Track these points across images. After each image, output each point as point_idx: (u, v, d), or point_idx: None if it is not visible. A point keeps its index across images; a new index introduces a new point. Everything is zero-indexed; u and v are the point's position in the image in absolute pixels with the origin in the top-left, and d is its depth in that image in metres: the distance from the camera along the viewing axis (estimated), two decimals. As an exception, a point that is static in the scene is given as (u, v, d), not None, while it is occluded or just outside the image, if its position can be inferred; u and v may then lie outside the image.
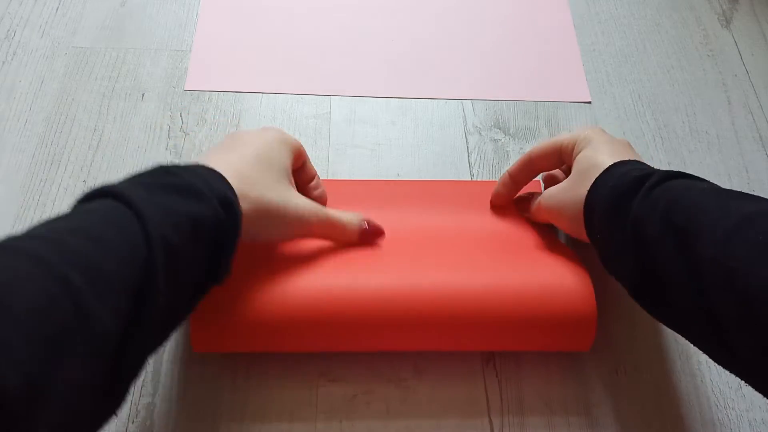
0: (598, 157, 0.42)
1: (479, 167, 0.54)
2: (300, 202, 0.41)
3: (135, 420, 0.41)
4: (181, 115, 0.55)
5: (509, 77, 0.60)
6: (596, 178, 0.40)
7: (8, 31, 0.59)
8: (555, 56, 0.62)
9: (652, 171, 0.39)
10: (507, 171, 0.49)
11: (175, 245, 0.31)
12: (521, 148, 0.56)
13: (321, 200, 0.47)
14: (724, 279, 0.31)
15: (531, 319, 0.41)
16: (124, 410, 0.41)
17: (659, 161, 0.56)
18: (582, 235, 0.42)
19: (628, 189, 0.38)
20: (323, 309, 0.40)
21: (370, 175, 0.53)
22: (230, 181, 0.36)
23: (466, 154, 0.55)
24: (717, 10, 0.67)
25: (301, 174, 0.46)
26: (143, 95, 0.56)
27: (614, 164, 0.40)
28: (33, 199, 0.50)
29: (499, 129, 0.57)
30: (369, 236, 0.45)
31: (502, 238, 0.48)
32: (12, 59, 0.57)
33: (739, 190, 0.35)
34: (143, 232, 0.30)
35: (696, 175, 0.39)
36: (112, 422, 0.39)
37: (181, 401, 0.42)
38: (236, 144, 0.41)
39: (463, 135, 0.56)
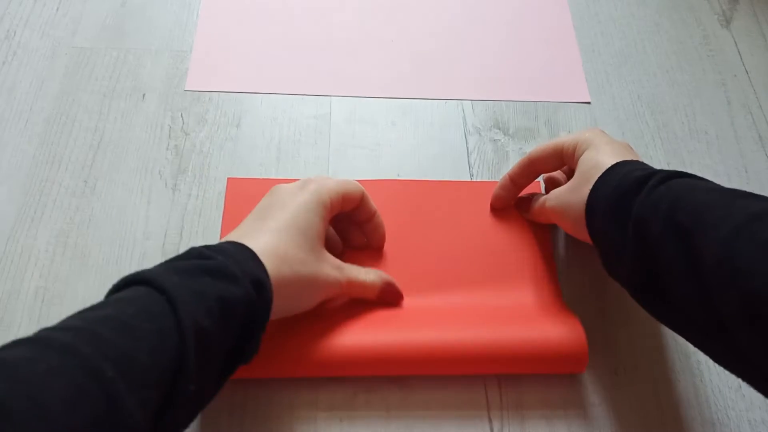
0: (600, 157, 0.42)
1: (479, 167, 0.54)
2: (328, 271, 0.41)
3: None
4: (181, 116, 0.55)
5: (509, 77, 0.60)
6: (598, 178, 0.40)
7: (8, 31, 0.59)
8: (555, 56, 0.62)
9: (655, 171, 0.39)
10: (507, 174, 0.49)
11: (207, 329, 0.31)
12: (521, 149, 0.56)
13: (379, 240, 0.48)
14: (730, 278, 0.30)
15: (528, 359, 0.42)
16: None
17: (659, 161, 0.56)
18: (584, 235, 0.42)
19: (630, 188, 0.38)
20: (330, 347, 0.41)
21: (370, 175, 0.53)
22: (264, 259, 0.36)
23: (466, 155, 0.55)
24: (717, 10, 0.67)
25: (358, 213, 0.46)
26: (144, 95, 0.56)
27: (616, 164, 0.40)
28: (33, 199, 0.50)
29: (499, 129, 0.57)
30: (387, 296, 0.45)
31: (499, 249, 0.49)
32: (12, 59, 0.57)
33: (739, 187, 0.35)
34: (175, 318, 0.30)
35: (697, 175, 0.39)
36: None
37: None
38: (273, 206, 0.41)
39: (463, 135, 0.56)
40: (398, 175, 0.54)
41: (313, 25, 0.62)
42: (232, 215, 0.50)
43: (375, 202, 0.50)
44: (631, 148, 0.45)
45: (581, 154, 0.43)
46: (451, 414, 0.43)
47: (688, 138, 0.58)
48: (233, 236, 0.39)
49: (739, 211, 0.32)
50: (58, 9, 0.61)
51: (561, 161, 0.46)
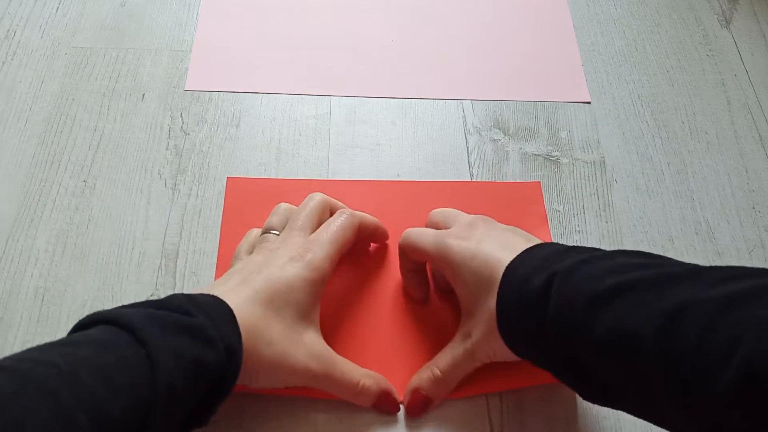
0: (479, 291, 0.39)
1: (479, 167, 0.54)
2: (300, 357, 0.38)
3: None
4: (181, 115, 0.55)
5: (509, 77, 0.60)
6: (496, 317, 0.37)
7: (8, 31, 0.59)
8: (555, 56, 0.62)
9: (544, 281, 0.35)
10: (400, 267, 0.47)
11: (179, 391, 0.31)
12: (521, 148, 0.56)
13: (381, 238, 0.48)
14: (681, 397, 0.29)
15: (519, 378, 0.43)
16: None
17: (659, 161, 0.56)
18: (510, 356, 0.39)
19: (531, 307, 0.36)
20: None
21: (370, 175, 0.53)
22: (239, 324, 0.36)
23: (466, 154, 0.55)
24: (717, 10, 0.67)
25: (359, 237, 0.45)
26: (143, 95, 0.56)
27: (501, 293, 0.37)
28: (33, 199, 0.50)
29: (499, 129, 0.57)
30: (382, 407, 0.42)
31: None
32: (12, 59, 0.57)
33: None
34: (152, 377, 0.30)
35: (592, 247, 0.37)
36: None
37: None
38: (261, 270, 0.39)
39: (463, 135, 0.56)
40: (398, 175, 0.54)
41: (313, 25, 0.62)
42: (232, 215, 0.50)
43: (375, 203, 0.50)
44: (485, 221, 0.43)
45: (453, 277, 0.41)
46: (451, 415, 0.43)
47: (688, 138, 0.58)
48: (219, 289, 0.38)
49: (656, 313, 0.30)
50: (58, 9, 0.61)
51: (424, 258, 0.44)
